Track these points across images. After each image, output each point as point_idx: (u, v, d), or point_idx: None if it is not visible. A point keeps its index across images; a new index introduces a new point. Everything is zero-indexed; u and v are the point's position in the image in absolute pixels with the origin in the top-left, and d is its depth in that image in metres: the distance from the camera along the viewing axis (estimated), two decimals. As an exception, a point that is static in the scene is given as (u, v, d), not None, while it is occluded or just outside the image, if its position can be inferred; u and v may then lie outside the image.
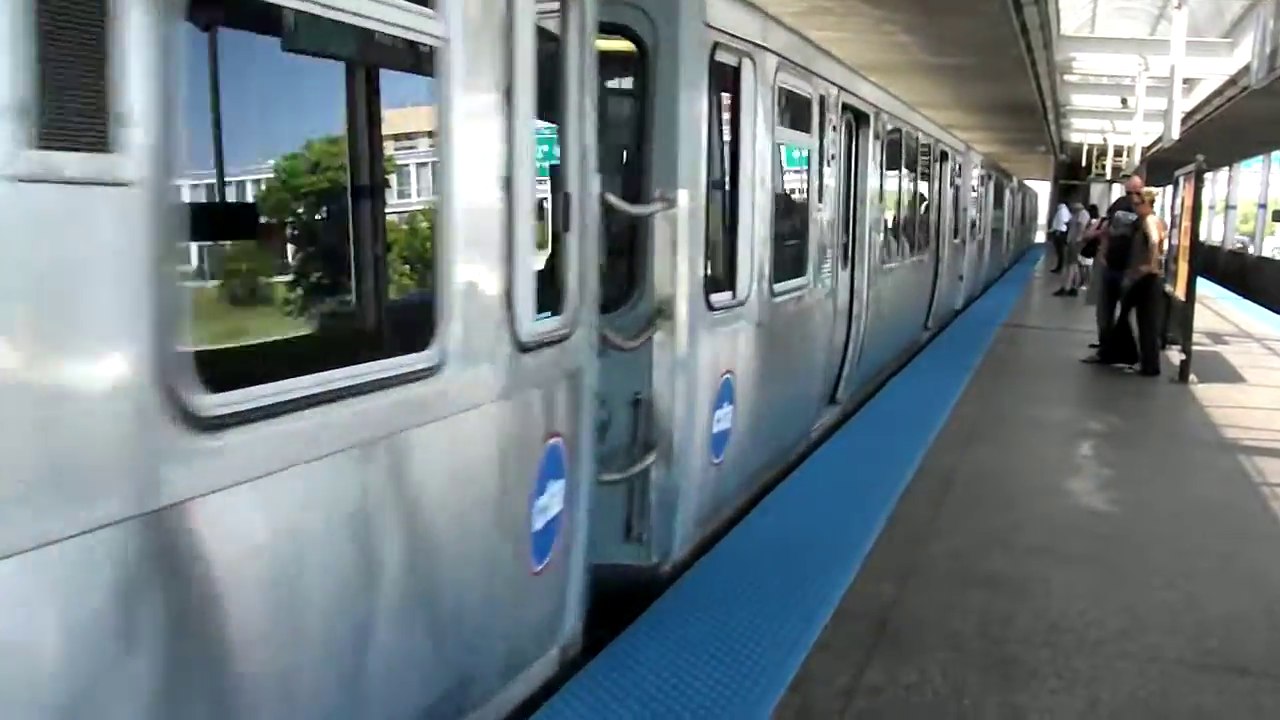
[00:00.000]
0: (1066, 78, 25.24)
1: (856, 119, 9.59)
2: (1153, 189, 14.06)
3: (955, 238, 17.54)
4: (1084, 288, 20.18)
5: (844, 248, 9.33)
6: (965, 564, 5.93)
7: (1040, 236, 48.88)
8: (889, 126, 10.95)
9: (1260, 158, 39.06)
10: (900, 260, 12.40)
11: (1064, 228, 27.88)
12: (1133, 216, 12.77)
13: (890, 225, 11.80)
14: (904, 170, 12.47)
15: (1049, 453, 8.94)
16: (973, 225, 20.64)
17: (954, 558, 6.02)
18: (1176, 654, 4.87)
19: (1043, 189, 50.45)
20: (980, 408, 10.43)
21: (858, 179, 9.82)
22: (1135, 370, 12.69)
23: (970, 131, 29.81)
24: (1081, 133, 37.19)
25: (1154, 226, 12.52)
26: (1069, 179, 42.64)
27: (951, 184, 16.73)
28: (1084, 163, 41.46)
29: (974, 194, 20.86)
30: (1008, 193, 31.22)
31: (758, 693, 4.28)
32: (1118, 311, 12.90)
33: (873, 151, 10.17)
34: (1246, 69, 18.09)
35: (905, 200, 13.08)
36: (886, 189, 11.28)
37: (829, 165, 8.27)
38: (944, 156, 15.87)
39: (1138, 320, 12.71)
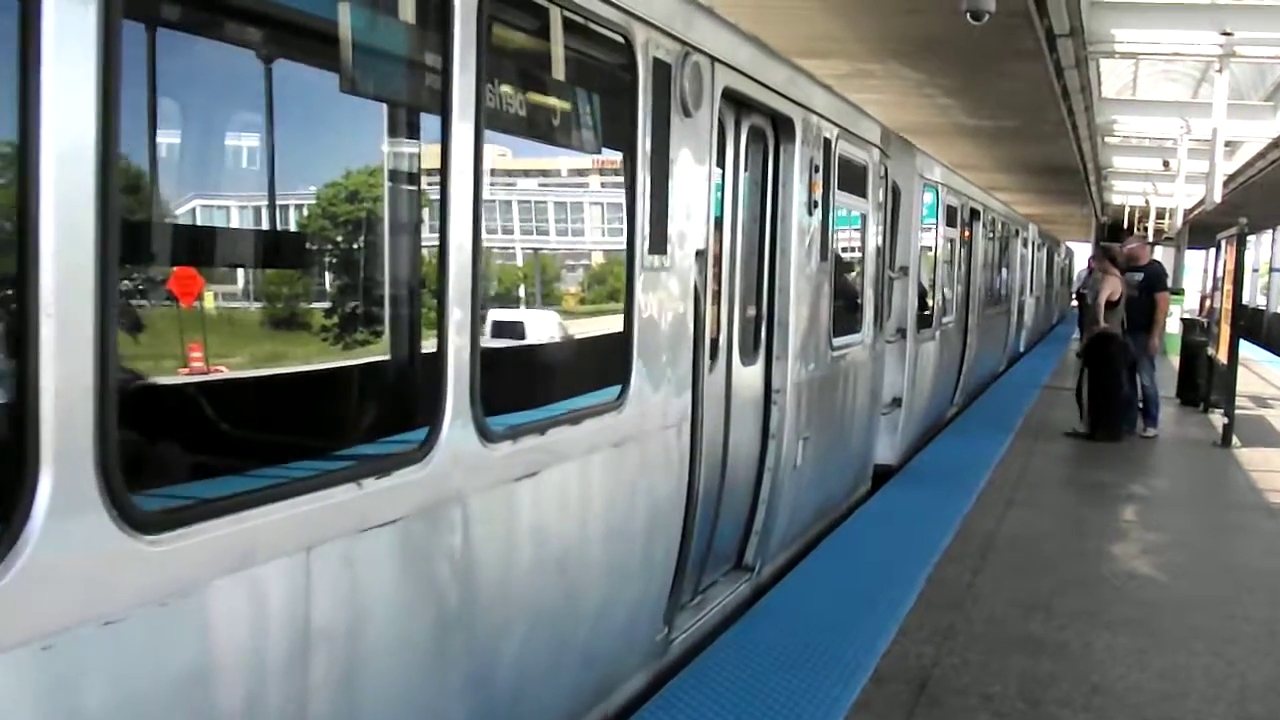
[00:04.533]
0: (1108, 140, 25.27)
1: None
2: (1112, 244, 13.70)
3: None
4: None
5: None
6: (1005, 626, 5.94)
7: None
8: None
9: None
10: None
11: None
12: (1138, 277, 12.58)
13: None
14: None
15: (1090, 515, 8.91)
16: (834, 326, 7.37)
17: (994, 620, 6.04)
18: (1219, 720, 4.86)
19: (1083, 249, 50.24)
20: (1021, 469, 10.41)
21: None
22: (1081, 432, 12.20)
23: (1011, 193, 29.89)
24: (1123, 194, 37.08)
25: (1106, 285, 11.97)
26: (1111, 240, 42.48)
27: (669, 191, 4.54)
28: (1125, 224, 41.33)
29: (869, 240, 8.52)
30: (1022, 245, 21.21)
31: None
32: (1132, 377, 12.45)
33: None
34: (1287, 133, 18.10)
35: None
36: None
37: None
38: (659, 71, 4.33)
39: (1089, 381, 12.22)
